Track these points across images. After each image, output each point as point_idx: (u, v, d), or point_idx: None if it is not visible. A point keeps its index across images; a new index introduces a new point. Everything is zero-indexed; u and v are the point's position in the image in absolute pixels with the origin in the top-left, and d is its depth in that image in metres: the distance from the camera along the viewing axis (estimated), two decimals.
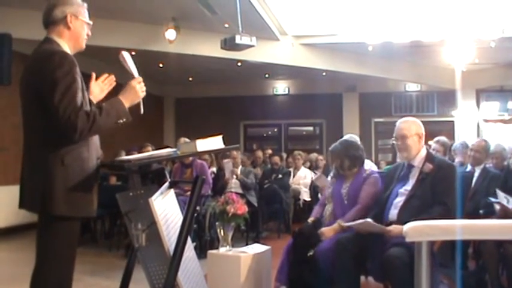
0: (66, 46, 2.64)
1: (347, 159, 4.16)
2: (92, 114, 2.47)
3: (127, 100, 2.65)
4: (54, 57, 2.50)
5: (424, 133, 3.78)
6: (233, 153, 8.07)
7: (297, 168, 9.67)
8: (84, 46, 2.75)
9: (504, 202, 4.26)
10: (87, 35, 2.75)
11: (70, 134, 2.45)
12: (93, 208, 2.65)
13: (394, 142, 3.83)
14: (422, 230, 2.10)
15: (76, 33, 2.68)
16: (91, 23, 2.76)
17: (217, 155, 9.35)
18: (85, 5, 2.75)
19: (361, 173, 4.15)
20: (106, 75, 2.99)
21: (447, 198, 3.48)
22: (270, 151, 10.40)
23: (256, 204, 7.67)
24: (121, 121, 2.60)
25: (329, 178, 4.72)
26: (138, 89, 2.70)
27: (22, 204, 2.62)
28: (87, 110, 2.47)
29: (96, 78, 2.92)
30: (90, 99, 2.69)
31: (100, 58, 9.33)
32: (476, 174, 5.17)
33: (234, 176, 7.74)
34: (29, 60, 2.63)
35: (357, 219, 3.72)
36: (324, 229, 3.89)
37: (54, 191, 2.47)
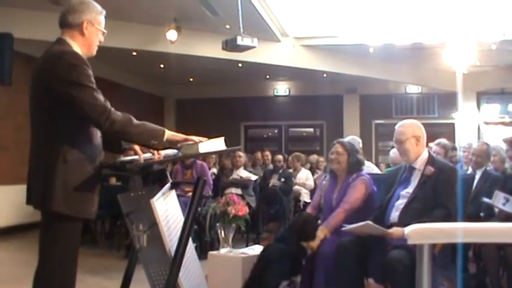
0: (78, 49, 2.64)
1: (352, 158, 4.17)
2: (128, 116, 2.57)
3: (169, 134, 2.70)
4: (64, 57, 2.50)
5: (423, 135, 3.73)
6: (237, 154, 8.09)
7: (296, 170, 9.65)
8: (94, 53, 2.76)
9: (501, 203, 4.23)
10: (99, 41, 2.75)
11: (102, 120, 2.49)
12: (92, 210, 2.64)
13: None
14: (424, 233, 2.10)
15: (89, 40, 2.69)
16: (105, 31, 2.75)
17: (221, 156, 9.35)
18: (104, 12, 2.74)
19: (348, 179, 4.14)
20: None
21: (448, 201, 3.48)
22: (267, 153, 10.41)
23: (253, 205, 7.65)
24: (153, 142, 2.65)
25: (324, 182, 4.66)
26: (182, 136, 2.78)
27: (29, 201, 2.62)
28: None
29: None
30: None
31: (99, 58, 9.31)
32: (477, 177, 5.17)
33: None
34: (39, 61, 2.63)
35: (340, 223, 3.75)
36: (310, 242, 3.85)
37: (54, 187, 2.48)
